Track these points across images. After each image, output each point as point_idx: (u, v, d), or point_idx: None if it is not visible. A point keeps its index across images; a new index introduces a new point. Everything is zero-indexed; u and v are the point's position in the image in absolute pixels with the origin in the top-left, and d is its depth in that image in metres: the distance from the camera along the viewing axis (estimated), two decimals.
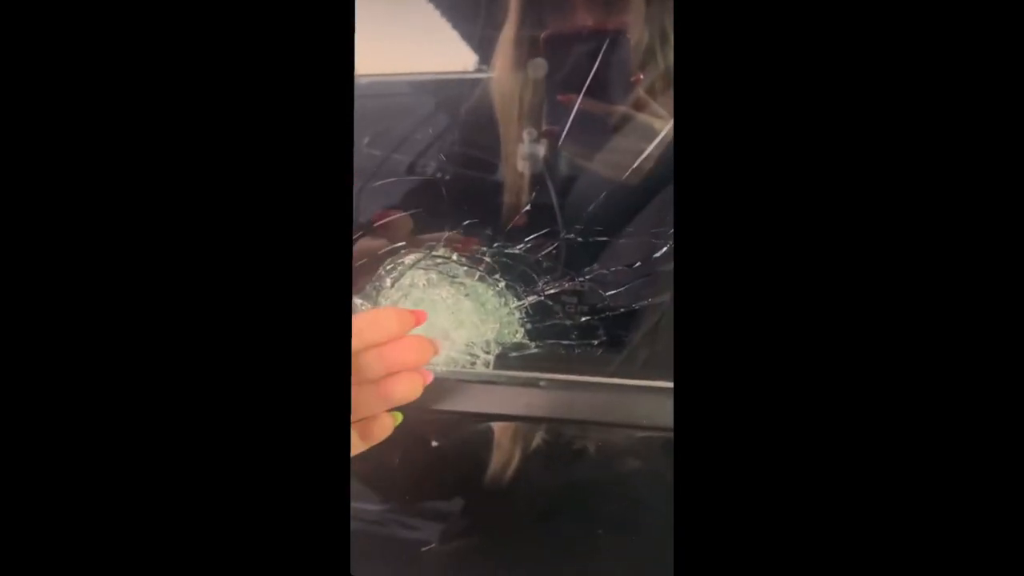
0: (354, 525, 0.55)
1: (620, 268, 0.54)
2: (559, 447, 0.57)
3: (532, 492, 0.56)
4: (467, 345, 0.57)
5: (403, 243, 0.55)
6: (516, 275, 0.56)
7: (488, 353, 0.57)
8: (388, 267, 0.56)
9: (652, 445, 0.54)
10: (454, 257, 0.56)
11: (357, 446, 0.41)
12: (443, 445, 0.56)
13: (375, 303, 0.56)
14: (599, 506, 0.54)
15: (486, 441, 0.56)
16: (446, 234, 0.54)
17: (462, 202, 0.54)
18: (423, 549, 0.54)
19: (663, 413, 0.50)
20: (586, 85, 0.50)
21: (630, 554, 0.52)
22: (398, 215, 0.55)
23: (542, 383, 0.57)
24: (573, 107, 0.50)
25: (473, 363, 0.57)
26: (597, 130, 0.51)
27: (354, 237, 0.55)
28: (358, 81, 0.54)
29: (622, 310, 0.55)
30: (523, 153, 0.53)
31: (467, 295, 0.57)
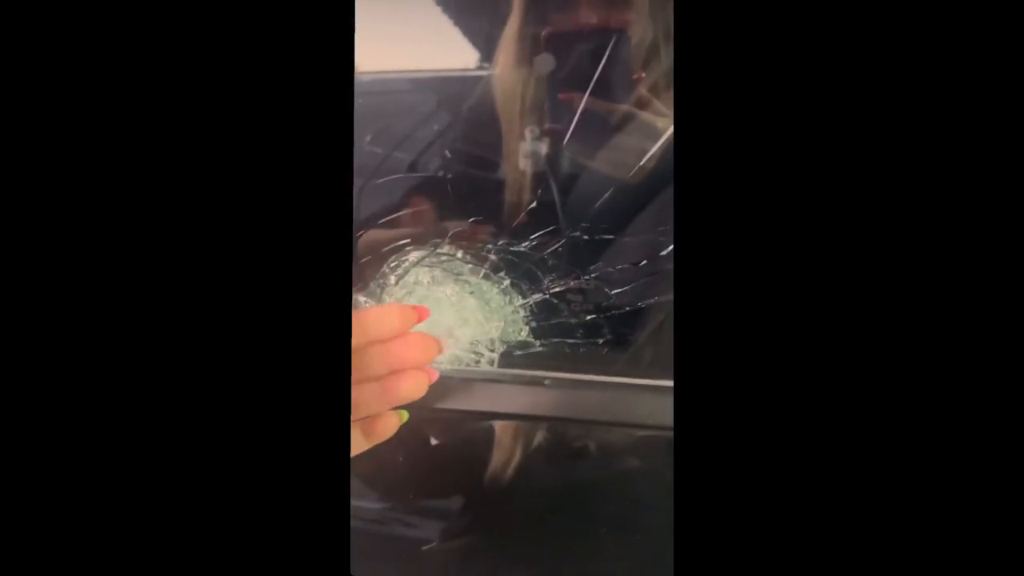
0: (354, 523, 0.56)
1: (625, 266, 0.54)
2: (560, 446, 0.56)
3: (533, 491, 0.55)
4: (471, 343, 0.57)
5: (410, 238, 0.55)
6: (521, 273, 0.55)
7: (492, 351, 0.57)
8: (392, 264, 0.56)
9: (655, 444, 0.53)
10: (459, 255, 0.56)
11: (360, 444, 0.40)
12: (444, 443, 0.56)
13: (379, 300, 0.56)
14: (600, 505, 0.54)
15: (487, 439, 0.56)
16: (456, 227, 0.54)
17: (464, 200, 0.54)
18: (424, 548, 0.54)
19: (668, 412, 0.50)
20: (592, 84, 0.49)
21: (631, 553, 0.52)
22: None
23: (547, 382, 0.57)
24: (576, 105, 0.50)
25: (477, 361, 0.57)
26: (599, 128, 0.51)
27: (364, 229, 0.55)
28: (360, 78, 0.54)
29: (627, 308, 0.55)
30: (525, 151, 0.52)
31: (472, 293, 0.57)
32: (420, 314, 0.41)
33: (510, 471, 0.55)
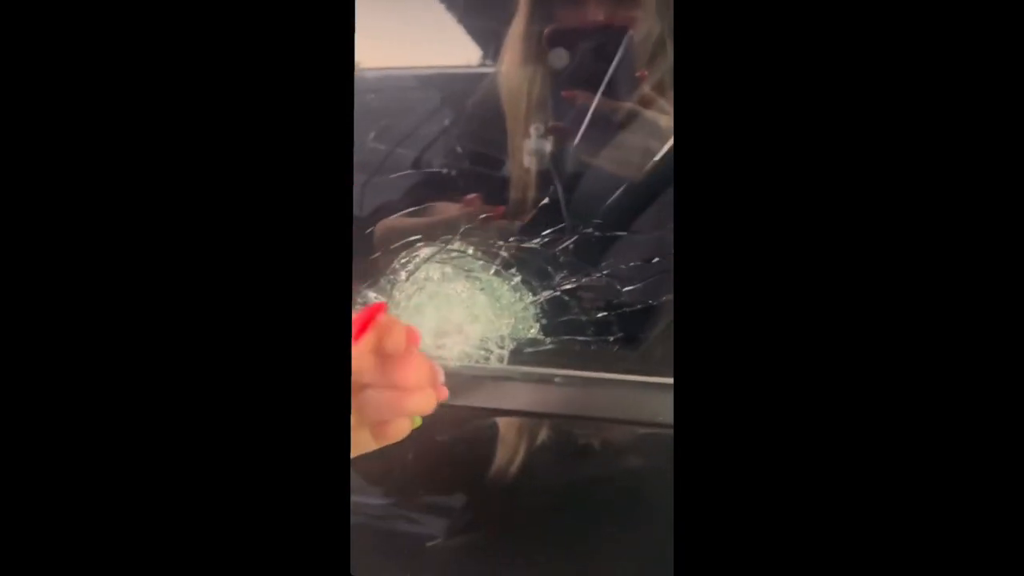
0: (359, 520, 0.56)
1: (637, 263, 0.54)
2: (565, 443, 0.56)
3: (537, 488, 0.55)
4: (481, 340, 0.57)
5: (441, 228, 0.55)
6: (532, 270, 0.55)
7: (502, 348, 0.57)
8: (403, 260, 0.56)
9: (660, 442, 0.53)
10: (470, 251, 0.56)
11: (369, 445, 0.40)
12: (448, 440, 0.56)
13: (389, 296, 0.57)
14: (604, 503, 0.54)
15: (491, 437, 0.56)
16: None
17: (451, 197, 0.54)
18: (428, 544, 0.54)
19: None
20: (604, 83, 0.49)
21: (634, 550, 0.52)
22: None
23: (557, 379, 0.57)
24: (585, 104, 0.50)
25: (487, 358, 0.57)
26: (603, 126, 0.50)
27: (386, 219, 0.55)
28: (365, 75, 0.54)
29: (638, 306, 0.54)
30: (529, 148, 0.52)
31: (482, 289, 0.57)
32: (412, 338, 0.40)
33: (514, 468, 0.55)
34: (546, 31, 0.49)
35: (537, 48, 0.50)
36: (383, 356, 0.38)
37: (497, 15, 0.50)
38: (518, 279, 0.56)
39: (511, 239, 0.55)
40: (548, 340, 0.56)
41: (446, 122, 0.54)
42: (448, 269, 0.57)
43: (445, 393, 0.41)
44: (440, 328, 0.57)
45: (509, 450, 0.55)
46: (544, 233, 0.54)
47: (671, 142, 0.50)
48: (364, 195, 0.56)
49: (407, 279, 0.57)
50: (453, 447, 0.56)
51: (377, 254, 0.55)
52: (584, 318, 0.55)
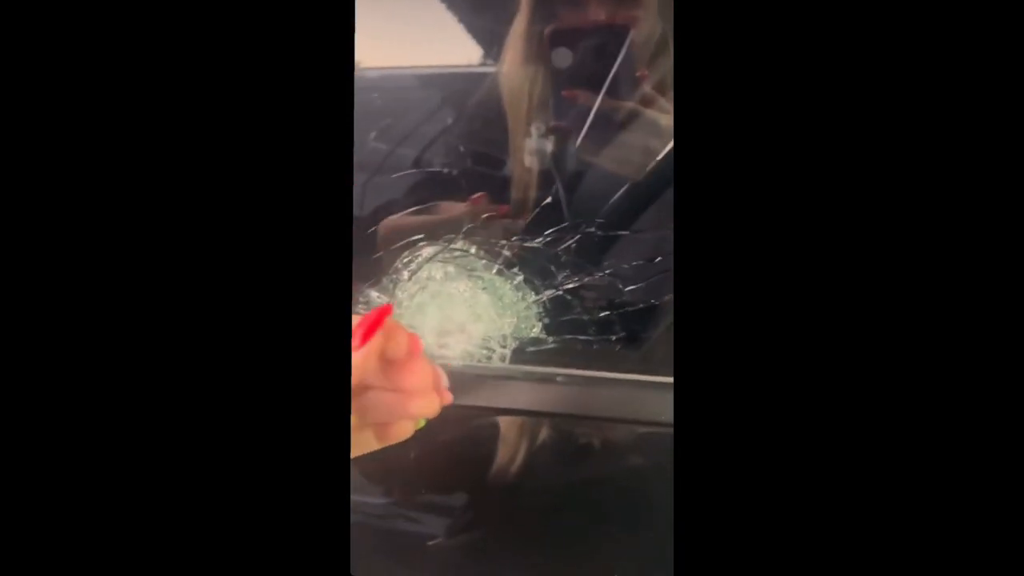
0: (360, 519, 0.56)
1: (640, 262, 0.54)
2: (565, 442, 0.56)
3: (538, 487, 0.55)
4: (483, 339, 0.57)
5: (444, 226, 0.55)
6: (534, 269, 0.55)
7: (504, 347, 0.57)
8: (406, 260, 0.56)
9: (661, 441, 0.53)
10: (472, 250, 0.56)
11: (371, 445, 0.40)
12: (450, 439, 0.56)
13: (392, 295, 0.57)
14: (605, 502, 0.54)
15: (492, 436, 0.56)
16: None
17: (457, 196, 0.54)
18: (429, 543, 0.54)
19: None
20: (597, 81, 0.49)
21: (635, 550, 0.52)
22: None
23: (559, 378, 0.57)
24: (585, 103, 0.50)
25: (489, 357, 0.57)
26: (604, 126, 0.50)
27: (391, 216, 0.55)
28: (366, 74, 0.54)
29: (641, 305, 0.54)
30: (530, 148, 0.52)
31: (485, 289, 0.56)
32: (414, 346, 0.40)
33: (515, 467, 0.55)
34: (547, 30, 0.49)
35: (539, 47, 0.50)
36: (386, 360, 0.38)
37: (498, 15, 0.50)
38: (520, 278, 0.56)
39: (514, 238, 0.55)
40: (550, 339, 0.56)
41: (448, 121, 0.54)
42: (450, 268, 0.57)
43: (449, 397, 0.41)
44: (442, 327, 0.57)
45: (510, 449, 0.55)
46: (547, 232, 0.54)
47: (672, 144, 0.50)
48: (365, 194, 0.56)
49: (410, 278, 0.57)
50: (454, 446, 0.56)
51: (379, 253, 0.55)
52: (586, 317, 0.55)
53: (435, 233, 0.56)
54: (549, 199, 0.53)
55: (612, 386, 0.55)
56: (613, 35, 0.49)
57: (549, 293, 0.55)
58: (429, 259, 0.56)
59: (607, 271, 0.54)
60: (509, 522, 0.56)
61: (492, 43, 0.51)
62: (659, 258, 0.53)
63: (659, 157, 0.51)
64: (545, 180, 0.53)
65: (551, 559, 0.52)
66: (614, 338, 0.55)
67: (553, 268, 0.55)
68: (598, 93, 0.49)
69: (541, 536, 0.53)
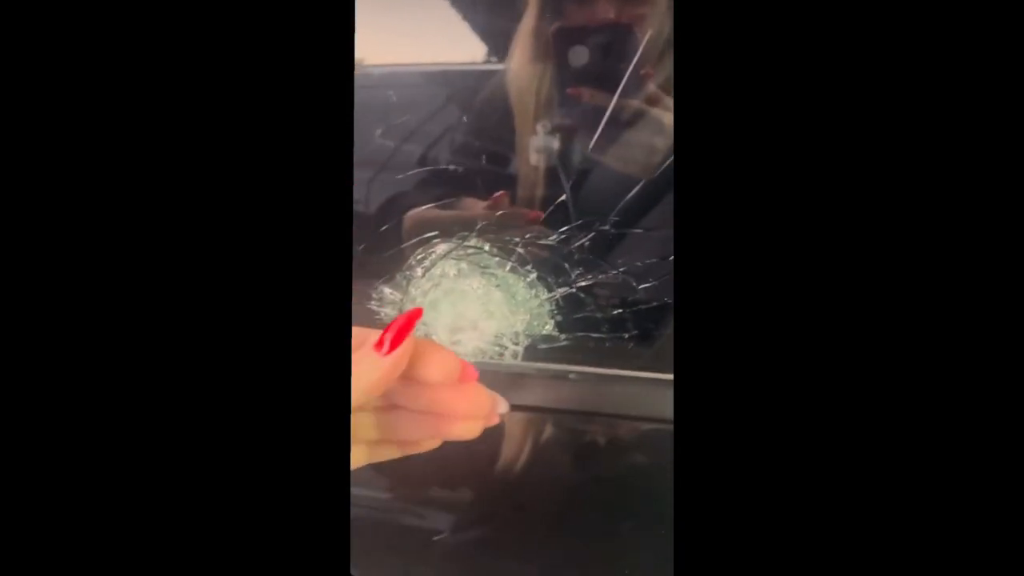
0: (364, 513, 0.55)
1: (653, 260, 0.54)
2: (570, 439, 0.56)
3: (543, 484, 0.55)
4: (496, 336, 0.57)
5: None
6: (548, 267, 0.55)
7: (517, 345, 0.57)
8: (419, 257, 0.56)
9: (667, 439, 0.53)
10: (486, 248, 0.56)
11: (392, 455, 0.38)
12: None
13: (405, 292, 0.57)
14: (610, 499, 0.54)
15: (498, 432, 0.56)
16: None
17: (476, 193, 0.54)
18: (434, 539, 0.54)
19: None
20: (617, 81, 0.49)
21: (640, 545, 0.52)
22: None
23: (572, 375, 0.57)
24: (591, 101, 0.50)
25: (501, 354, 0.57)
26: (609, 124, 0.50)
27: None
28: (372, 71, 0.54)
29: (654, 303, 0.55)
30: (537, 146, 0.52)
31: (498, 286, 0.57)
32: (467, 374, 0.37)
33: (521, 463, 0.55)
34: (553, 28, 0.49)
35: (547, 45, 0.50)
36: (425, 382, 0.35)
37: (505, 12, 0.50)
38: (534, 276, 0.56)
39: (527, 235, 0.55)
40: (563, 337, 0.57)
41: (456, 118, 0.54)
42: (464, 265, 0.57)
43: (496, 420, 0.38)
44: (455, 324, 0.57)
45: (516, 445, 0.55)
46: (561, 230, 0.54)
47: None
48: (371, 191, 0.56)
49: (423, 275, 0.57)
50: (461, 442, 0.56)
51: (405, 244, 0.55)
52: (599, 315, 0.56)
53: (449, 230, 0.56)
54: (564, 197, 0.53)
55: (624, 383, 0.55)
56: (620, 33, 0.49)
57: (562, 291, 0.56)
58: (443, 256, 0.56)
59: (620, 269, 0.54)
60: (515, 518, 0.56)
61: (498, 41, 0.51)
62: (672, 256, 0.53)
63: (672, 156, 0.51)
64: (552, 178, 0.53)
65: (557, 555, 0.52)
66: (627, 336, 0.56)
67: (566, 265, 0.55)
68: (603, 91, 0.49)
69: (547, 532, 0.53)
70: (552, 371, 0.57)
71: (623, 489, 0.55)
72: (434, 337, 0.57)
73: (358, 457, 0.37)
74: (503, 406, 0.38)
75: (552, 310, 0.56)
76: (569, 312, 0.56)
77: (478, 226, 0.54)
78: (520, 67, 0.51)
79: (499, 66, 0.52)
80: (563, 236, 0.54)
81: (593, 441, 0.57)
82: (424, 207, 0.55)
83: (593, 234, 0.53)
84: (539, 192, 0.53)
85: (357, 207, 0.56)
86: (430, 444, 0.38)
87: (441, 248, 0.56)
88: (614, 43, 0.49)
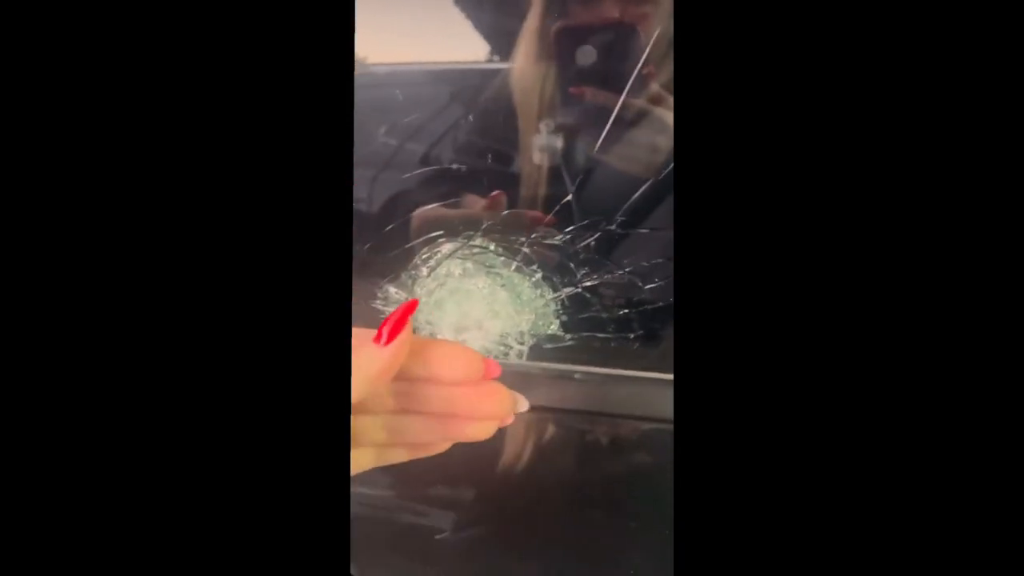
0: (366, 511, 0.56)
1: (659, 261, 0.54)
2: (572, 439, 0.56)
3: (545, 483, 0.55)
4: (501, 336, 0.57)
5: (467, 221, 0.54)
6: (553, 266, 0.55)
7: (522, 344, 0.57)
8: (424, 256, 0.56)
9: (670, 439, 0.53)
10: (491, 247, 0.56)
11: (400, 458, 0.38)
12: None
13: (411, 292, 0.57)
14: (612, 498, 0.54)
15: (500, 430, 0.56)
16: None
17: (480, 192, 0.54)
18: (436, 537, 0.54)
19: None
20: (629, 83, 0.49)
21: (642, 545, 0.52)
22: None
23: (577, 375, 0.57)
24: (596, 101, 0.50)
25: (506, 354, 0.57)
26: (613, 123, 0.50)
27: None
28: (375, 70, 0.54)
29: (660, 304, 0.54)
30: (540, 145, 0.52)
31: (503, 286, 0.56)
32: (490, 370, 0.36)
33: (523, 462, 0.55)
34: (555, 27, 0.49)
35: (552, 44, 0.49)
36: (440, 382, 0.35)
37: (509, 11, 0.50)
38: (539, 275, 0.56)
39: (533, 235, 0.55)
40: (568, 336, 0.56)
41: (459, 117, 0.54)
42: (469, 265, 0.56)
43: (511, 419, 0.38)
44: (460, 323, 0.57)
45: (518, 445, 0.55)
46: (567, 230, 0.54)
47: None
48: (374, 190, 0.56)
49: (428, 275, 0.57)
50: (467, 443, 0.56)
51: (392, 251, 0.55)
52: (605, 315, 0.55)
53: (454, 229, 0.56)
54: (570, 196, 0.53)
55: (630, 384, 0.55)
56: (624, 32, 0.49)
57: (568, 291, 0.55)
58: (448, 255, 0.56)
59: (626, 269, 0.54)
60: (517, 517, 0.56)
61: (502, 39, 0.51)
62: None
63: (665, 157, 0.51)
64: (555, 177, 0.53)
65: (558, 554, 0.52)
66: (632, 336, 0.55)
67: (572, 265, 0.55)
68: (606, 90, 0.49)
69: (549, 531, 0.53)
70: (557, 371, 0.57)
71: (625, 488, 0.55)
72: (439, 337, 0.57)
73: (366, 460, 0.37)
74: (523, 404, 0.38)
75: (557, 310, 0.56)
76: (574, 312, 0.56)
77: (483, 225, 0.54)
78: (524, 66, 0.51)
79: (503, 65, 0.52)
80: (568, 236, 0.53)
81: (596, 440, 0.57)
82: (432, 206, 0.55)
83: (599, 234, 0.53)
84: (542, 191, 0.53)
85: (360, 206, 0.56)
86: (441, 447, 0.37)
87: (446, 247, 0.56)
88: (618, 42, 0.49)
